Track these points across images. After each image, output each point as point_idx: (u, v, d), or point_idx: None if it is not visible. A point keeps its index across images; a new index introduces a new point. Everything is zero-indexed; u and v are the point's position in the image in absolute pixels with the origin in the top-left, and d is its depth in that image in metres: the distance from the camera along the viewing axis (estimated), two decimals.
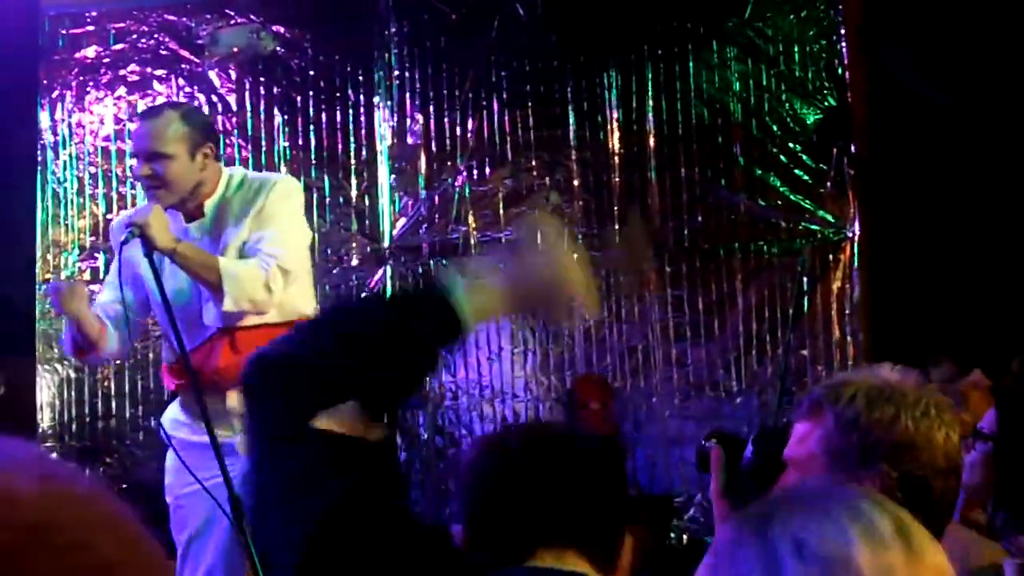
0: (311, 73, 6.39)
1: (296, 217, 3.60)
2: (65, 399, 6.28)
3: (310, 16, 6.42)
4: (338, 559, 1.53)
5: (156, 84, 6.45)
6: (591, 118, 6.24)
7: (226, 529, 3.37)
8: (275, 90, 6.40)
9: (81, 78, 6.47)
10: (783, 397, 5.47)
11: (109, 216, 6.35)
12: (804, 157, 6.09)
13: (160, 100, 6.41)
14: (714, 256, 6.14)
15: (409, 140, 6.35)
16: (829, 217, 6.06)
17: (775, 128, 6.12)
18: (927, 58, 5.82)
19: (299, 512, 1.56)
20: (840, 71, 6.11)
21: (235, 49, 6.41)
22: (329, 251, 6.27)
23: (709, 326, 6.08)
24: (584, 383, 6.03)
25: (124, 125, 6.43)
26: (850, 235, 6.04)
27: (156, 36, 6.46)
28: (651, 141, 6.20)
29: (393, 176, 6.36)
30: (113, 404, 6.27)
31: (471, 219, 6.28)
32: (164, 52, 6.45)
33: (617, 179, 6.22)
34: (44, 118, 6.42)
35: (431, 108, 6.33)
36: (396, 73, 6.36)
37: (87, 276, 6.34)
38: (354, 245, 6.35)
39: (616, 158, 6.22)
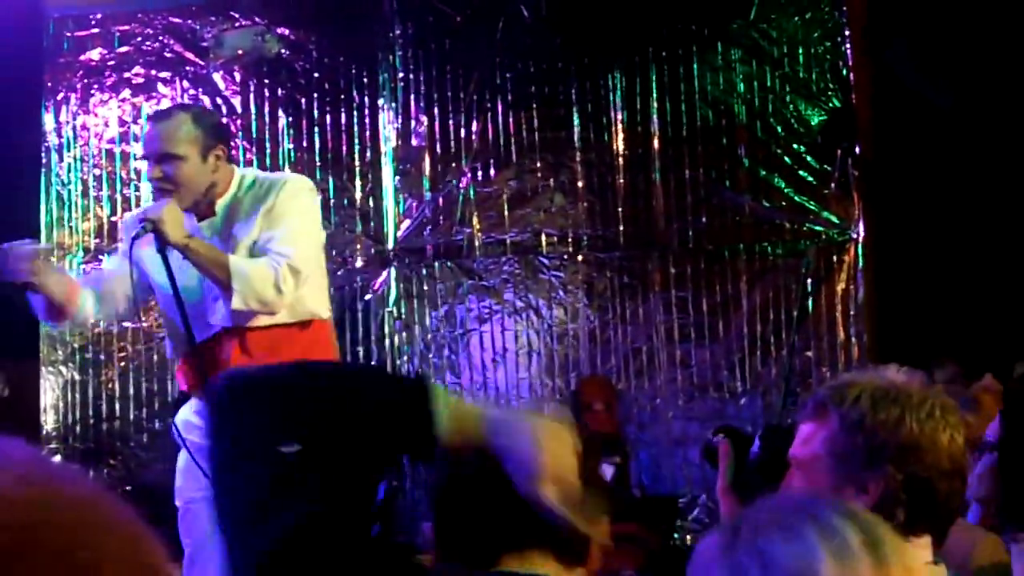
0: (315, 75, 6.40)
1: (307, 216, 3.55)
2: (69, 401, 6.28)
3: (314, 18, 6.43)
4: None
5: (161, 87, 6.45)
6: (595, 120, 6.24)
7: None
8: (279, 92, 6.40)
9: (85, 81, 6.47)
10: (787, 398, 5.47)
11: (114, 218, 6.35)
12: (808, 158, 6.09)
13: (165, 103, 6.41)
14: (718, 257, 6.13)
15: (413, 142, 6.35)
16: (833, 218, 6.06)
17: (779, 129, 6.12)
18: (930, 59, 5.82)
19: (256, 536, 1.54)
20: (844, 73, 6.11)
21: (240, 51, 6.41)
22: (334, 253, 6.27)
23: (713, 327, 6.08)
24: (588, 384, 6.02)
25: (129, 128, 6.44)
26: (854, 236, 6.03)
27: (161, 38, 6.46)
28: (655, 143, 6.19)
29: (397, 178, 6.36)
30: (117, 406, 6.27)
31: (475, 221, 6.28)
32: (169, 54, 6.45)
33: (621, 181, 6.21)
34: (48, 120, 6.42)
35: (435, 110, 6.33)
36: (400, 75, 6.36)
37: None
38: (358, 247, 6.35)
39: (620, 160, 6.22)
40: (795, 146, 6.10)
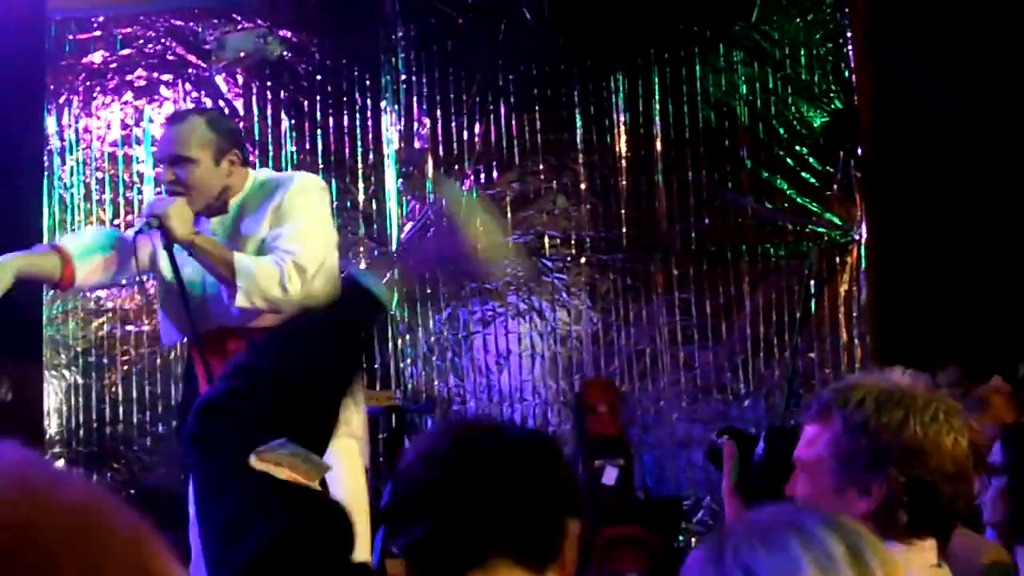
0: (318, 77, 6.40)
1: (316, 215, 3.50)
2: (72, 405, 6.29)
3: (317, 20, 6.43)
4: None
5: (163, 89, 6.46)
6: (598, 122, 6.24)
7: None
8: (282, 94, 6.41)
9: (88, 83, 6.48)
10: (791, 400, 5.47)
11: (116, 221, 6.35)
12: (810, 160, 6.09)
13: (167, 105, 6.42)
14: (721, 259, 6.14)
15: (416, 144, 6.36)
16: (836, 220, 6.06)
17: (782, 131, 6.12)
18: (931, 60, 5.82)
19: (226, 559, 1.54)
20: (846, 74, 6.11)
21: (242, 54, 6.42)
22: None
23: (716, 329, 6.08)
24: (592, 387, 6.03)
25: (131, 130, 6.44)
26: (857, 238, 6.04)
27: (163, 41, 6.47)
28: (658, 144, 6.20)
29: (400, 180, 6.36)
30: (121, 410, 6.27)
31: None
32: (171, 57, 6.45)
33: (624, 182, 6.22)
34: (51, 123, 6.43)
35: (438, 112, 6.34)
36: (403, 77, 6.37)
37: None
38: (361, 249, 6.36)
39: (623, 161, 6.22)
40: (797, 148, 6.10)
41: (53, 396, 6.26)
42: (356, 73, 6.38)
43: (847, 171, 6.04)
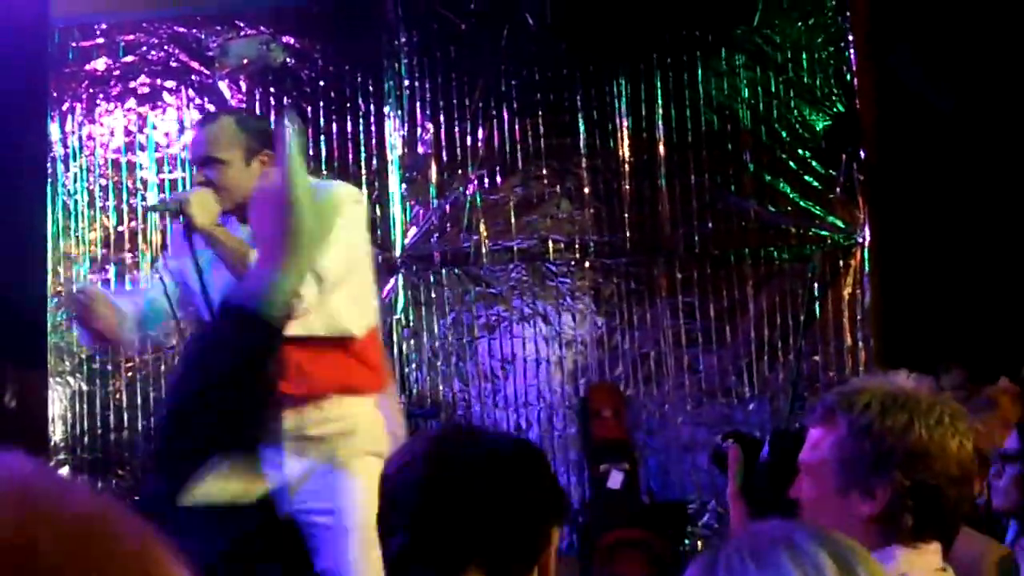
0: (321, 84, 6.41)
1: (348, 228, 3.37)
2: (76, 412, 6.29)
3: (320, 27, 6.44)
4: None
5: (166, 96, 6.47)
6: (601, 126, 6.25)
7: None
8: (285, 101, 6.41)
9: (91, 90, 6.49)
10: (795, 403, 5.46)
11: (120, 228, 6.37)
12: (813, 163, 6.09)
13: (170, 112, 6.43)
14: (725, 262, 6.14)
15: (420, 149, 6.36)
16: (839, 223, 6.06)
17: (784, 135, 6.12)
18: (932, 63, 5.82)
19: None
20: (848, 77, 6.11)
21: (245, 60, 6.42)
22: None
23: (720, 332, 6.08)
24: (596, 391, 6.03)
25: (134, 137, 6.45)
26: (860, 241, 6.04)
27: (166, 48, 6.48)
28: (661, 148, 6.20)
29: (404, 185, 6.36)
30: (125, 416, 6.27)
31: (482, 228, 6.28)
32: (174, 64, 6.46)
33: (627, 186, 6.22)
34: (54, 130, 6.44)
35: (441, 117, 6.34)
36: (406, 83, 6.37)
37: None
38: None
39: (626, 166, 6.23)
40: (800, 151, 6.10)
41: (57, 403, 6.27)
42: (359, 79, 6.39)
43: (850, 174, 6.04)
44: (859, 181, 6.03)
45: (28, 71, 6.17)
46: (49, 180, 6.38)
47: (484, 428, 1.80)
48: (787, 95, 6.15)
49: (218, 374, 1.70)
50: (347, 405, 3.39)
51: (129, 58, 6.48)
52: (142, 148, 6.45)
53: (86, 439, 6.30)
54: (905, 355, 5.12)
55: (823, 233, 6.07)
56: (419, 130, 6.37)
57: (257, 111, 6.41)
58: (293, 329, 3.32)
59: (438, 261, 6.32)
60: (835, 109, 6.10)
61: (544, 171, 6.28)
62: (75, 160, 6.46)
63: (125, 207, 6.40)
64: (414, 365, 6.25)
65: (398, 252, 6.33)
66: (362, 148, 6.37)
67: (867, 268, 6.02)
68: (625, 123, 6.23)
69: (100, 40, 6.49)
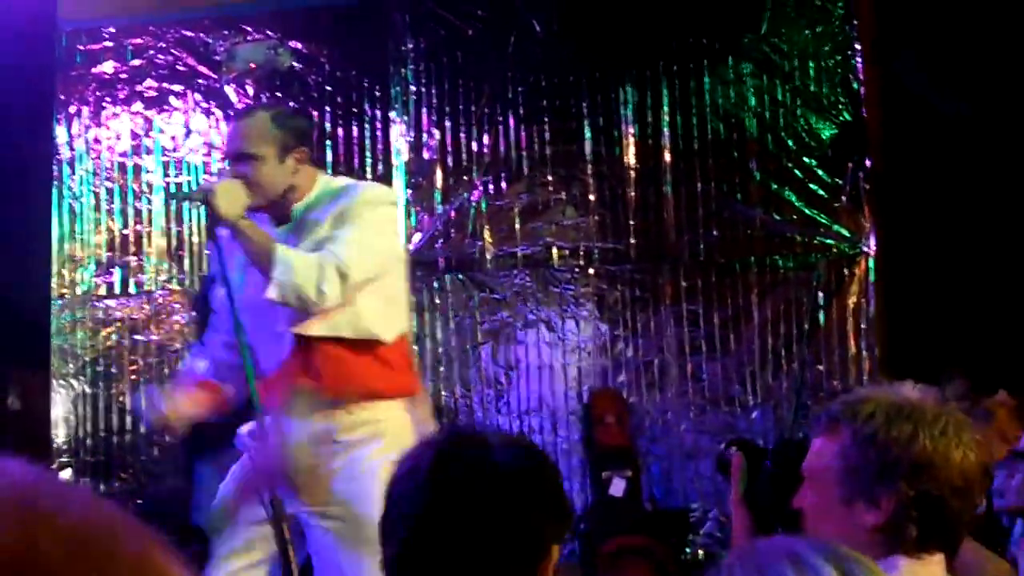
0: (328, 88, 6.41)
1: (376, 228, 3.35)
2: (80, 414, 6.29)
3: (327, 32, 6.45)
4: None
5: (173, 100, 6.47)
6: (607, 133, 6.24)
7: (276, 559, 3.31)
8: (292, 105, 6.41)
9: (98, 93, 6.50)
10: (799, 411, 5.45)
11: (125, 231, 6.37)
12: (819, 172, 6.09)
13: (177, 116, 6.44)
14: (730, 270, 6.13)
15: (425, 155, 6.36)
16: (844, 231, 6.05)
17: (790, 143, 6.12)
18: (937, 69, 5.81)
19: None
20: (855, 86, 6.11)
21: (252, 65, 6.43)
22: None
23: (725, 340, 6.07)
24: (600, 398, 6.02)
25: (141, 140, 6.46)
26: (865, 249, 6.03)
27: (173, 52, 6.49)
28: (667, 156, 6.19)
29: (409, 191, 6.36)
30: (128, 419, 6.27)
31: (487, 234, 6.28)
32: (181, 68, 6.47)
33: (633, 193, 6.21)
34: (61, 133, 6.45)
35: (447, 123, 6.34)
36: (412, 88, 6.37)
37: (102, 291, 6.36)
38: None
39: (632, 173, 6.22)
40: (806, 159, 6.10)
41: (61, 405, 6.27)
42: (366, 84, 6.39)
43: (855, 183, 6.03)
44: (865, 190, 6.03)
45: (35, 74, 6.18)
46: (55, 183, 6.39)
47: (493, 433, 1.76)
48: (793, 103, 6.15)
49: None
50: (376, 410, 3.36)
51: (136, 61, 6.49)
52: (148, 152, 6.46)
53: (89, 442, 6.30)
54: (909, 364, 5.11)
55: (828, 242, 6.06)
56: (425, 136, 6.37)
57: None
58: (319, 329, 3.30)
59: (443, 267, 6.31)
60: (841, 118, 6.10)
61: (550, 178, 6.28)
62: (81, 163, 6.47)
63: (131, 210, 6.41)
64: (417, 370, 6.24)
65: None
66: (368, 153, 6.37)
67: (872, 277, 6.01)
68: (631, 130, 6.23)
69: (107, 43, 6.50)
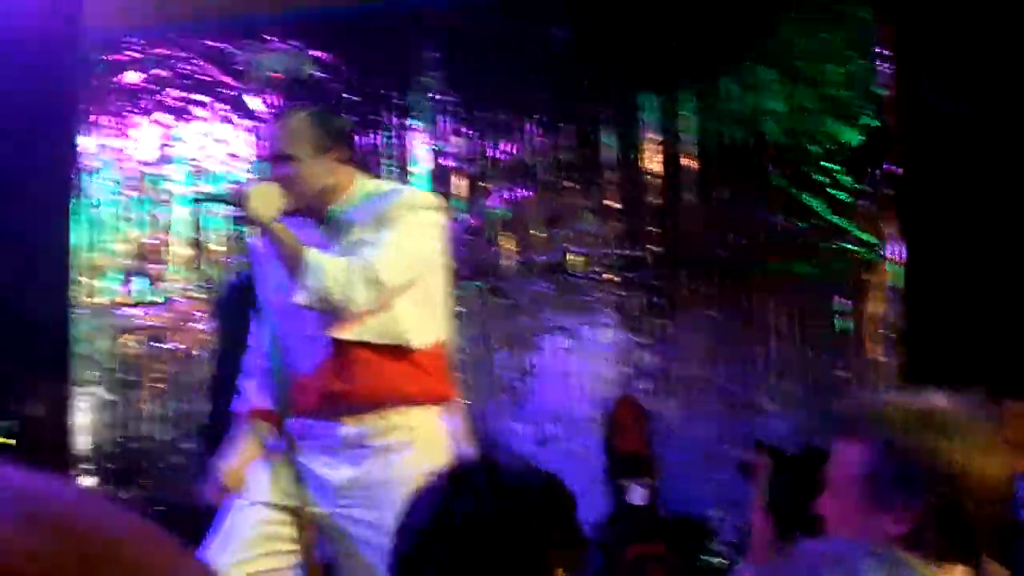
0: (348, 97, 6.42)
1: (414, 232, 3.30)
2: (101, 422, 6.31)
3: (347, 40, 6.46)
4: None
5: (196, 109, 6.50)
6: (626, 139, 6.23)
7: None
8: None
9: (120, 103, 6.53)
10: (820, 419, 5.42)
11: (147, 240, 6.40)
12: (841, 177, 6.05)
13: (200, 125, 6.46)
14: (750, 277, 6.10)
15: (445, 163, 6.36)
16: (866, 237, 6.01)
17: (812, 148, 6.09)
18: (938, 68, 5.76)
19: None
20: (878, 91, 6.07)
21: (273, 74, 6.45)
22: None
23: (745, 347, 6.04)
24: (619, 405, 6.00)
25: (163, 150, 6.49)
26: (887, 255, 5.99)
27: (196, 61, 6.51)
28: (687, 162, 6.18)
29: None
30: (149, 427, 6.29)
31: (507, 241, 6.28)
32: (204, 77, 6.50)
33: (653, 200, 6.20)
34: (84, 142, 6.48)
35: (467, 130, 6.34)
36: (431, 96, 6.38)
37: (124, 299, 6.38)
38: None
39: (652, 179, 6.21)
40: (828, 165, 6.07)
41: (81, 413, 6.29)
42: (385, 92, 6.40)
43: (878, 189, 6.00)
44: (887, 196, 5.99)
45: (59, 84, 6.22)
46: (78, 192, 6.42)
47: (509, 465, 1.77)
48: (816, 108, 6.12)
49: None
50: (410, 415, 3.34)
51: (159, 71, 6.52)
52: (171, 161, 6.48)
53: (109, 449, 6.32)
54: (931, 371, 5.08)
55: (850, 247, 6.03)
56: (445, 143, 6.37)
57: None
58: (352, 332, 3.29)
59: (462, 274, 6.30)
60: (863, 123, 6.07)
61: (569, 184, 6.27)
62: (104, 172, 6.50)
63: (153, 219, 6.43)
64: None
65: None
66: (387, 161, 6.37)
67: (894, 283, 5.97)
68: (651, 137, 6.21)
69: (131, 53, 6.53)
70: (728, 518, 5.93)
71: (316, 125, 3.37)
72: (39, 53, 6.01)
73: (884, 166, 6.00)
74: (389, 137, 6.38)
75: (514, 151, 6.30)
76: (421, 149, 6.38)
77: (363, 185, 3.45)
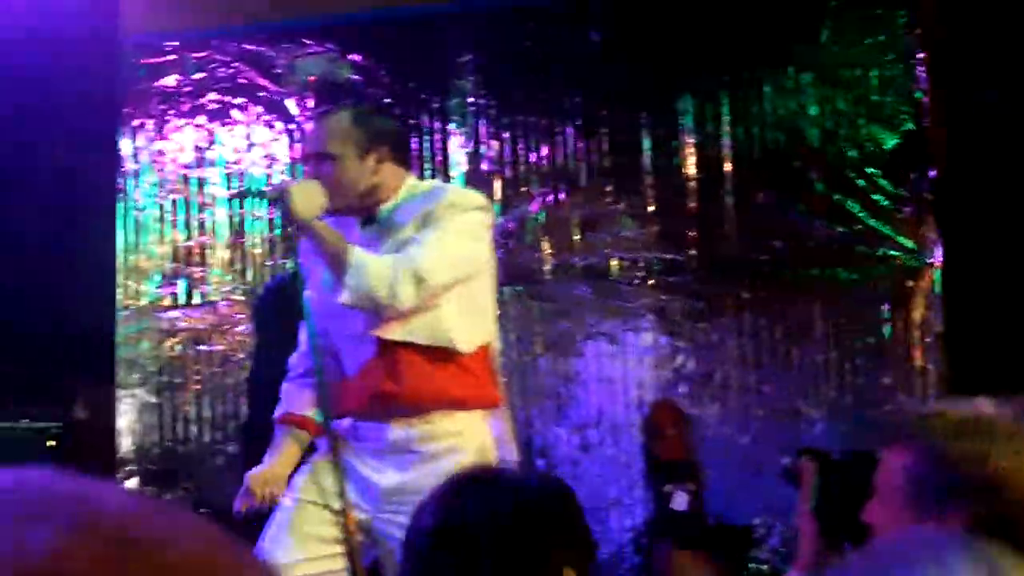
0: (386, 101, 6.44)
1: (460, 232, 3.29)
2: (144, 424, 6.36)
3: (385, 44, 6.48)
4: None
5: (235, 112, 6.54)
6: (665, 144, 6.21)
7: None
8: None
9: (161, 107, 6.58)
10: (863, 426, 5.38)
11: (188, 243, 6.45)
12: (882, 182, 6.01)
13: (239, 128, 6.50)
14: (790, 282, 6.06)
15: (483, 167, 6.37)
16: (909, 243, 5.97)
17: (852, 153, 6.05)
18: (982, 72, 5.71)
19: None
20: (917, 95, 6.03)
21: (311, 78, 6.48)
22: None
23: (786, 353, 6.01)
24: (659, 410, 5.98)
25: (203, 153, 6.54)
26: (930, 261, 5.94)
27: (235, 65, 6.55)
28: (726, 166, 6.15)
29: None
30: (193, 429, 6.34)
31: (545, 245, 6.27)
32: (243, 81, 6.54)
33: (692, 205, 6.17)
34: (125, 146, 6.54)
35: (505, 134, 6.35)
36: (470, 100, 6.39)
37: (166, 302, 6.43)
38: None
39: (691, 183, 6.19)
40: (868, 170, 6.02)
41: (125, 415, 6.35)
42: (423, 96, 6.42)
43: (919, 193, 5.95)
44: (929, 201, 5.94)
45: (99, 88, 6.28)
46: (120, 195, 6.48)
47: (510, 474, 1.81)
48: (855, 113, 6.08)
49: None
50: (456, 421, 3.34)
51: (198, 75, 6.57)
52: (211, 164, 6.53)
53: (154, 451, 6.37)
54: (975, 379, 5.03)
55: (892, 253, 5.98)
56: (483, 147, 6.38)
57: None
58: (396, 332, 3.27)
59: (501, 279, 6.30)
60: (904, 127, 6.02)
61: (608, 189, 6.26)
62: (145, 175, 6.55)
63: (194, 222, 6.48)
64: None
65: None
66: (426, 165, 6.39)
67: (937, 290, 5.91)
68: (690, 140, 6.19)
69: (171, 57, 6.58)
70: (773, 525, 5.90)
71: (358, 125, 3.36)
72: (80, 59, 6.08)
73: (923, 170, 5.95)
74: (426, 141, 6.39)
75: (552, 155, 6.30)
76: (458, 153, 6.39)
77: (412, 185, 3.43)
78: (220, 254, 6.44)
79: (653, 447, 5.89)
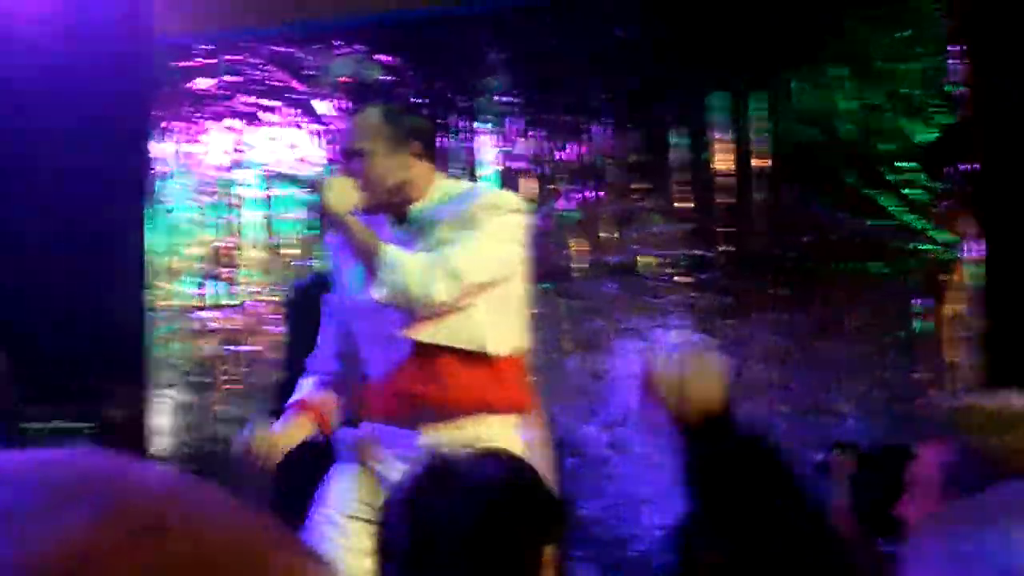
0: (414, 101, 6.45)
1: (494, 233, 3.29)
2: (176, 424, 6.41)
3: (413, 44, 6.49)
4: None
5: (266, 114, 6.57)
6: (695, 140, 6.19)
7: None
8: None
9: (192, 109, 6.62)
10: (895, 421, 5.35)
11: (220, 244, 6.48)
12: (915, 176, 5.97)
13: (271, 131, 6.54)
14: (822, 277, 6.03)
15: (512, 165, 6.37)
16: (943, 237, 5.92)
17: (885, 147, 6.01)
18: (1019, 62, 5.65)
19: None
20: (951, 88, 5.98)
21: (341, 79, 6.51)
22: None
23: (817, 348, 5.97)
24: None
25: (235, 155, 6.57)
26: (963, 256, 5.89)
27: (266, 67, 6.59)
28: (756, 162, 6.12)
29: None
30: (224, 429, 6.37)
31: (574, 243, 6.27)
32: (274, 83, 6.57)
33: (722, 201, 6.15)
34: (156, 148, 6.58)
35: (533, 133, 6.35)
36: (498, 99, 6.39)
37: (198, 303, 6.47)
38: None
39: (721, 179, 6.16)
40: (902, 164, 5.98)
41: (158, 416, 6.39)
42: (452, 96, 6.43)
43: (953, 187, 5.90)
44: (963, 195, 5.89)
45: (132, 90, 6.32)
46: (152, 197, 6.52)
47: (465, 456, 1.82)
48: (888, 107, 6.03)
49: None
50: (487, 426, 3.31)
51: (230, 77, 6.60)
52: (242, 166, 6.57)
53: (185, 451, 6.41)
54: (1010, 373, 4.98)
55: (925, 247, 5.94)
56: (511, 146, 6.38)
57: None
58: (429, 334, 3.25)
59: (530, 276, 6.30)
60: (938, 121, 5.97)
61: (637, 185, 6.25)
62: (176, 177, 6.59)
63: (225, 223, 6.52)
64: None
65: None
66: (455, 164, 6.40)
67: (970, 284, 5.86)
68: (720, 136, 6.17)
69: (202, 59, 6.63)
70: None
71: (389, 121, 3.36)
72: (112, 61, 6.12)
73: (961, 164, 5.90)
74: (456, 140, 6.40)
75: (582, 152, 6.29)
76: (488, 152, 6.39)
77: (444, 185, 3.42)
78: (252, 255, 6.47)
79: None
